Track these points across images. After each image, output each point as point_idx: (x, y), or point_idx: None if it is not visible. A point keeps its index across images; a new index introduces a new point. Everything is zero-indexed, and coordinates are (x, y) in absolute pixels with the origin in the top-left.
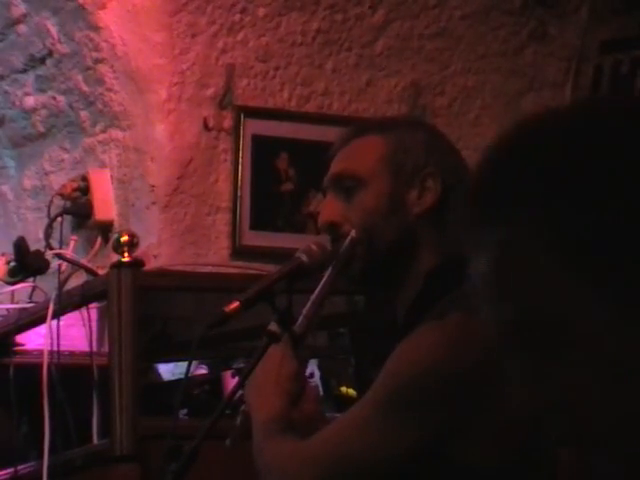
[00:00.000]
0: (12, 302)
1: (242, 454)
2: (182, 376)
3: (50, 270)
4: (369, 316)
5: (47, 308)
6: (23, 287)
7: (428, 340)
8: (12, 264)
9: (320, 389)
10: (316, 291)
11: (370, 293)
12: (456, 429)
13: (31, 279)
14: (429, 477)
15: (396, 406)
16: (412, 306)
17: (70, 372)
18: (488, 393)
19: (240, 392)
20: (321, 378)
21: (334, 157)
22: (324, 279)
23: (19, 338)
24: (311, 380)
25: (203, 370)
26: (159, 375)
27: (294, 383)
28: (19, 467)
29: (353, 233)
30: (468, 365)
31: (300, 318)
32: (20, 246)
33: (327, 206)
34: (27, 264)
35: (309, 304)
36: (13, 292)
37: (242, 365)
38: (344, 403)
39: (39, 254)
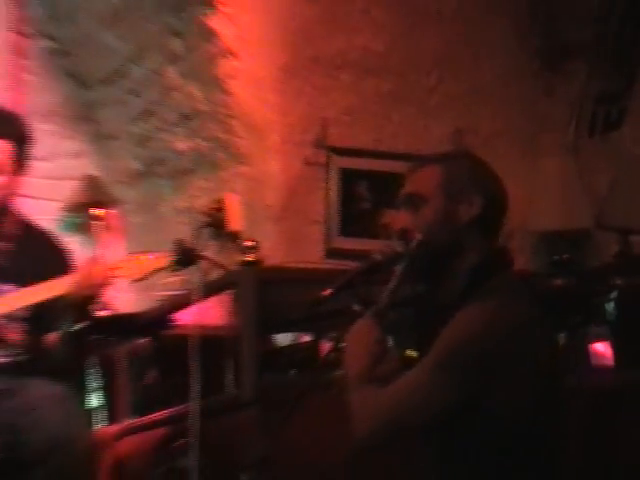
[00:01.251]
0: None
1: (339, 403)
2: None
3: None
4: (427, 299)
5: (195, 294)
6: (177, 279)
7: (472, 318)
8: (173, 260)
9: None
10: (392, 280)
11: (429, 281)
12: (489, 388)
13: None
14: (468, 425)
15: (444, 368)
16: (461, 291)
17: (210, 340)
18: (516, 360)
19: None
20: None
21: (406, 181)
22: (398, 271)
23: (176, 316)
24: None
25: (308, 338)
26: (275, 342)
27: (377, 347)
28: (170, 410)
29: (419, 237)
30: (502, 339)
31: (381, 300)
32: (180, 246)
33: (400, 217)
34: (183, 261)
35: (387, 290)
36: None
37: (334, 334)
38: (409, 364)
39: (191, 252)
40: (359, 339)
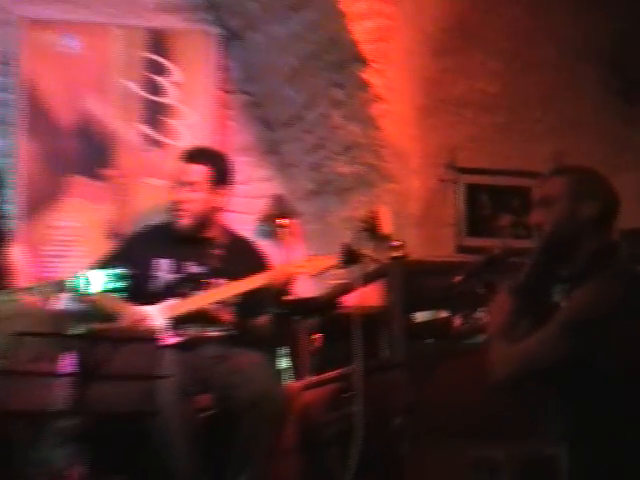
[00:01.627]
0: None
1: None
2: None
3: None
4: (552, 278)
5: (357, 282)
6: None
7: (591, 292)
8: (341, 259)
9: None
10: (527, 263)
11: (556, 264)
12: (602, 347)
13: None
14: (583, 378)
15: (568, 328)
16: (580, 272)
17: (369, 317)
18: (625, 326)
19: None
20: None
21: (540, 187)
22: (534, 256)
23: (343, 299)
24: None
25: (444, 314)
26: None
27: (512, 315)
28: (340, 370)
29: (550, 229)
30: (614, 308)
31: (518, 279)
32: (345, 248)
33: (535, 215)
34: (348, 259)
35: (524, 271)
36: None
37: (464, 311)
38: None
39: (354, 252)
40: (498, 308)
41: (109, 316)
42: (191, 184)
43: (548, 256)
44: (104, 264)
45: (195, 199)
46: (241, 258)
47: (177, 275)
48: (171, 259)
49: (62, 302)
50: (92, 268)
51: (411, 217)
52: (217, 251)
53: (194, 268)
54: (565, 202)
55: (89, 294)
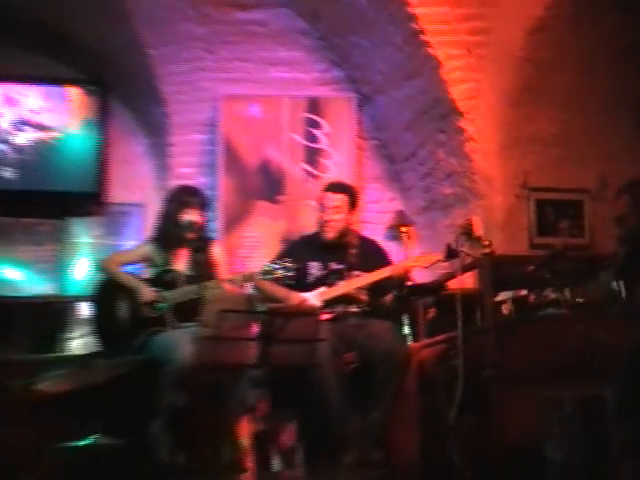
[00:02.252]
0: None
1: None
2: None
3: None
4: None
5: (458, 272)
6: (446, 265)
7: None
8: (445, 255)
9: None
10: (617, 253)
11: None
12: None
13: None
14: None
15: None
16: None
17: (466, 296)
18: None
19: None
20: None
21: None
22: (620, 254)
23: (448, 283)
24: None
25: (523, 292)
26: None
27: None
28: (446, 334)
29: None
30: None
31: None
32: (449, 247)
33: (619, 205)
34: (450, 255)
35: (613, 261)
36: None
37: (536, 290)
38: None
39: (454, 250)
40: (598, 295)
41: (278, 299)
42: (335, 208)
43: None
44: (276, 262)
45: (337, 219)
46: (369, 255)
47: (324, 271)
48: (319, 261)
49: (250, 288)
50: (269, 264)
51: (496, 224)
52: (352, 251)
53: (336, 265)
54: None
55: (267, 282)
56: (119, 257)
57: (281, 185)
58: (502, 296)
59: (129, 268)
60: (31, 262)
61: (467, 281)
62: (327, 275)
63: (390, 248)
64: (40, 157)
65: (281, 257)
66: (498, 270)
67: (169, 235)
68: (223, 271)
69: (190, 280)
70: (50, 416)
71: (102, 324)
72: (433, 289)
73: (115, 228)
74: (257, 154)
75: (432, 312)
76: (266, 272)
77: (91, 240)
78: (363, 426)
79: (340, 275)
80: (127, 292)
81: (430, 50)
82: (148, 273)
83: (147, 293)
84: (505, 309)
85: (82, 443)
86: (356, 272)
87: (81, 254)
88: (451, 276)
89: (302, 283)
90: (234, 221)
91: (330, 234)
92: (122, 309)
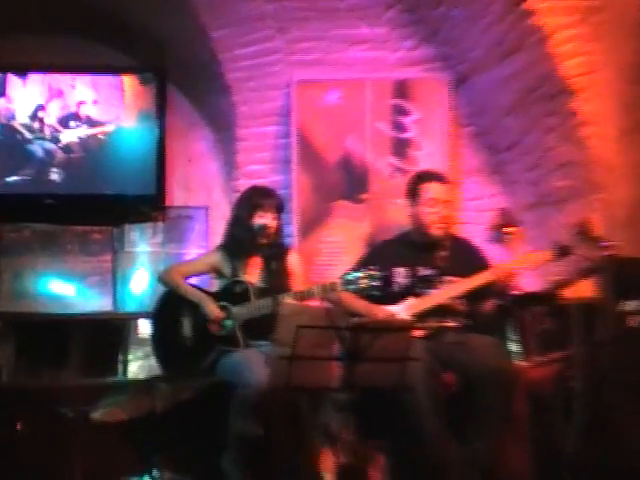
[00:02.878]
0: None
1: None
2: None
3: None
4: None
5: (573, 278)
6: (562, 269)
7: None
8: (554, 255)
9: None
10: None
11: None
12: None
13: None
14: None
15: None
16: None
17: (586, 306)
18: None
19: None
20: None
21: None
22: None
23: (561, 292)
24: None
25: None
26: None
27: None
28: (560, 352)
29: None
30: None
31: None
32: (559, 245)
33: None
34: (561, 255)
35: None
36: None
37: None
38: None
39: (565, 247)
40: None
41: (362, 313)
42: (444, 202)
43: None
44: (359, 269)
45: (447, 214)
46: (463, 257)
47: (412, 279)
48: (405, 266)
49: (331, 301)
50: (351, 273)
51: (618, 220)
52: (443, 253)
53: (425, 271)
54: None
55: (349, 294)
56: (182, 268)
57: (364, 182)
58: (627, 306)
59: (194, 280)
60: (84, 275)
61: (585, 289)
62: (415, 283)
63: (492, 251)
64: (91, 156)
65: (364, 264)
66: (622, 275)
67: (239, 242)
68: (300, 282)
69: (263, 293)
70: (107, 448)
71: (164, 344)
72: (544, 298)
73: (177, 235)
74: (336, 147)
75: (544, 325)
76: (348, 282)
77: (150, 249)
78: (465, 458)
79: (430, 282)
80: (192, 307)
81: (535, 19)
82: (216, 285)
83: (214, 308)
84: (631, 321)
85: (142, 479)
86: (449, 278)
87: (139, 265)
88: (566, 283)
89: (387, 293)
90: (312, 224)
91: (437, 232)
92: (186, 327)
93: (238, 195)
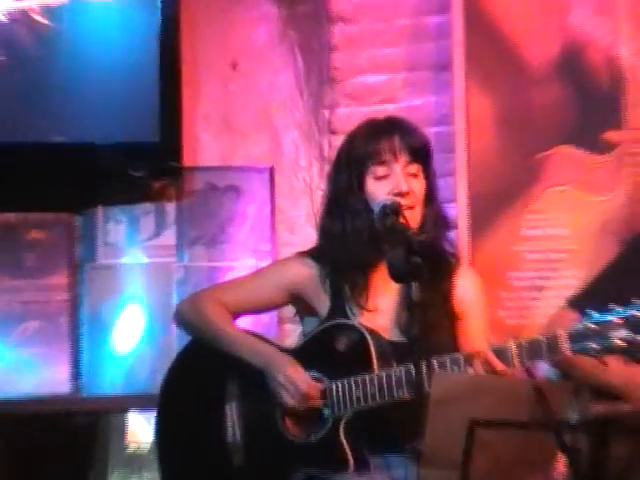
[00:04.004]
0: None
1: None
2: None
3: None
4: None
5: None
6: None
7: None
8: None
9: None
10: None
11: None
12: None
13: None
14: None
15: None
16: None
17: None
18: None
19: None
20: None
21: None
22: None
23: None
24: None
25: None
26: None
27: None
28: None
29: None
30: None
31: None
32: None
33: None
34: None
35: None
36: None
37: None
38: None
39: None
40: None
41: (614, 392)
42: None
43: None
44: (603, 303)
45: None
46: None
47: None
48: None
49: (542, 367)
50: (590, 314)
51: None
52: None
53: None
54: None
55: (584, 358)
56: (226, 295)
57: (613, 105)
58: None
59: (247, 322)
60: (13, 318)
61: None
62: None
63: None
64: (23, 62)
65: (618, 289)
66: None
67: (347, 243)
68: (479, 332)
69: (400, 352)
70: None
71: (185, 463)
72: None
73: (208, 227)
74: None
75: None
76: (587, 333)
77: (151, 258)
78: None
79: None
80: (247, 380)
81: None
82: (296, 334)
83: (301, 382)
84: None
85: None
86: None
87: (129, 295)
88: None
89: None
90: (499, 204)
91: None
92: (235, 424)
93: (341, 142)
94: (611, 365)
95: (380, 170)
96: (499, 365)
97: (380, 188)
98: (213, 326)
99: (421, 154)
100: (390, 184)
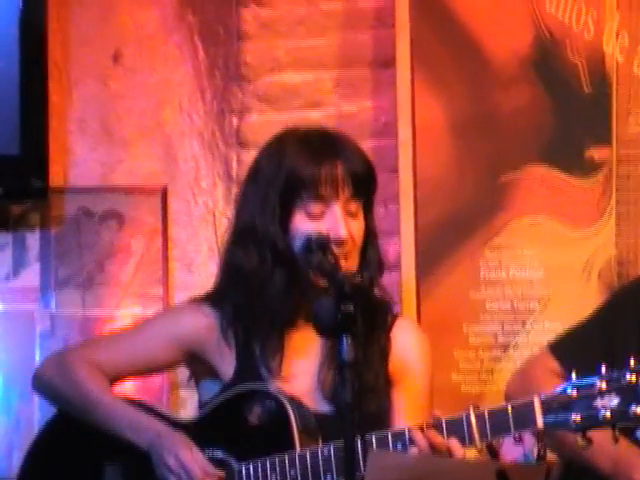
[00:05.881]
0: None
1: None
2: None
3: None
4: None
5: None
6: None
7: None
8: None
9: None
10: None
11: None
12: None
13: None
14: None
15: None
16: None
17: None
18: None
19: None
20: None
21: None
22: None
23: None
24: None
25: None
26: None
27: None
28: None
29: None
30: None
31: None
32: None
33: None
34: None
35: None
36: None
37: None
38: None
39: None
40: None
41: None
42: None
43: None
44: (581, 343)
45: None
46: None
47: None
48: None
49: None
50: (562, 347)
51: None
52: None
53: None
54: None
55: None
56: (104, 354)
57: (603, 124)
58: None
59: (129, 388)
60: None
61: None
62: None
63: None
64: None
65: (587, 346)
66: None
67: (260, 288)
68: (424, 399)
69: (328, 424)
70: None
71: None
72: None
73: (77, 262)
74: None
75: None
76: (566, 403)
77: (2, 304)
78: None
79: None
80: (129, 464)
81: None
82: (191, 401)
83: (196, 467)
84: None
85: None
86: None
87: None
88: None
89: None
90: (456, 238)
91: None
92: None
93: (254, 157)
94: (597, 442)
95: (315, 207)
96: (453, 443)
97: (311, 229)
98: (84, 393)
99: (366, 187)
100: (325, 226)
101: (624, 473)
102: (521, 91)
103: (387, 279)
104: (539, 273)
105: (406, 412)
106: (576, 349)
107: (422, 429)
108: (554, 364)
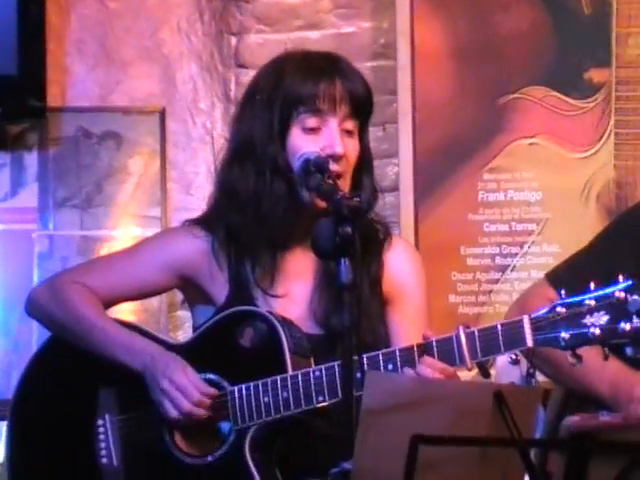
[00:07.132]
0: None
1: None
2: None
3: None
4: None
5: None
6: None
7: None
8: None
9: None
10: None
11: None
12: None
13: None
14: None
15: None
16: None
17: None
18: None
19: None
20: None
21: None
22: None
23: None
24: None
25: None
26: None
27: None
28: None
29: None
30: None
31: None
32: None
33: None
34: None
35: None
36: None
37: None
38: None
39: None
40: None
41: (604, 399)
42: None
43: None
44: (581, 271)
45: None
46: None
47: None
48: None
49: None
50: (561, 276)
51: None
52: None
53: None
54: None
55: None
56: (98, 277)
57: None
58: None
59: (126, 311)
60: None
61: None
62: None
63: None
64: None
65: (587, 274)
66: None
67: (256, 209)
68: (422, 320)
69: (319, 346)
70: None
71: None
72: None
73: (74, 183)
74: None
75: None
76: (555, 321)
77: (0, 224)
78: None
79: None
80: (123, 386)
81: None
82: (186, 325)
83: (191, 387)
84: None
85: None
86: None
87: None
88: None
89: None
90: (455, 160)
91: None
92: (112, 439)
93: (252, 77)
94: (592, 368)
95: (312, 121)
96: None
97: (307, 143)
98: (78, 318)
99: (363, 108)
100: (321, 141)
101: (624, 391)
102: (522, 13)
103: (386, 202)
104: (537, 195)
105: (403, 331)
106: (574, 279)
107: (418, 349)
108: (552, 294)
